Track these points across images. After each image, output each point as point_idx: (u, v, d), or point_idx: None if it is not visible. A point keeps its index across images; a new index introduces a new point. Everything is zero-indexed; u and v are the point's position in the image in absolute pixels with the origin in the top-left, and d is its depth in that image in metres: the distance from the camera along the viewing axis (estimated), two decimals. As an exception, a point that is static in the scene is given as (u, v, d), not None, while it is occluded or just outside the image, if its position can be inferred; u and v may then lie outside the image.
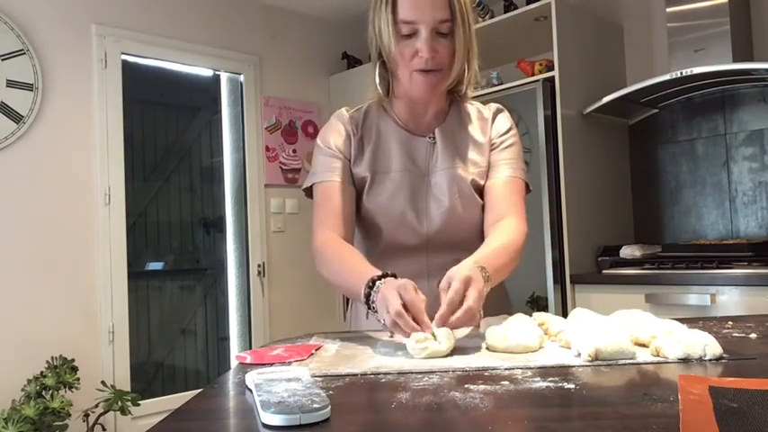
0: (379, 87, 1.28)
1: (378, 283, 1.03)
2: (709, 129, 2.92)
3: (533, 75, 2.92)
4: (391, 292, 0.96)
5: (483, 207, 1.28)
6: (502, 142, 1.31)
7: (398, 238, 1.26)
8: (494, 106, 1.36)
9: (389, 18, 1.17)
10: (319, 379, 0.78)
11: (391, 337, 1.01)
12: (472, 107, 1.34)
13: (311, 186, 1.31)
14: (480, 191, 1.29)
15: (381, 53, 1.23)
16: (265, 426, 0.60)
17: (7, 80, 2.81)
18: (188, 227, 3.64)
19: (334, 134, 1.31)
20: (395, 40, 1.18)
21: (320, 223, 1.25)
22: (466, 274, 0.98)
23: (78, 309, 2.97)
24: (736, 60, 2.59)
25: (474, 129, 1.32)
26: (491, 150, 1.30)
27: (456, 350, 0.92)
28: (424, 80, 1.20)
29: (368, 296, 1.03)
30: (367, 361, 0.88)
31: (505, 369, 0.80)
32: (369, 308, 1.04)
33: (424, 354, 0.88)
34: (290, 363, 0.89)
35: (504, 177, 1.28)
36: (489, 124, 1.32)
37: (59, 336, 2.86)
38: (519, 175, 1.29)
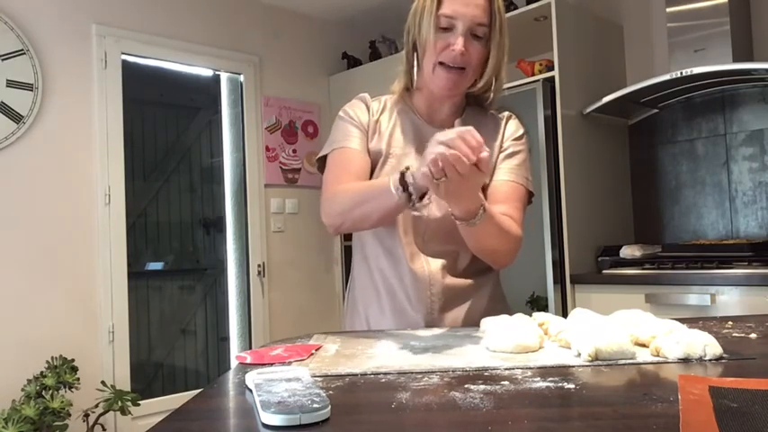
0: (415, 74, 1.30)
1: (410, 169, 1.05)
2: (709, 129, 2.92)
3: (533, 75, 2.92)
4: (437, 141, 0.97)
5: None
6: (510, 147, 1.32)
7: (399, 218, 1.27)
8: (507, 112, 1.37)
9: (433, 8, 1.21)
10: (319, 379, 0.78)
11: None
12: (488, 111, 1.36)
13: (325, 158, 1.33)
14: (485, 191, 1.29)
15: (414, 45, 1.27)
16: (265, 426, 0.60)
17: (7, 80, 2.81)
18: (188, 227, 3.64)
19: (357, 109, 1.35)
20: (433, 29, 1.21)
21: (332, 182, 1.26)
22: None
23: (78, 309, 2.97)
24: (736, 60, 2.59)
25: (487, 131, 1.33)
26: (499, 153, 1.32)
27: (456, 350, 0.92)
28: (446, 76, 1.23)
29: (401, 179, 1.04)
30: (367, 361, 0.88)
31: (505, 369, 0.80)
32: (404, 188, 1.04)
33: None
34: (290, 363, 0.89)
35: (507, 182, 1.28)
36: (502, 128, 1.34)
37: (59, 336, 2.86)
38: (521, 182, 1.30)
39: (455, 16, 1.20)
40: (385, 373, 0.80)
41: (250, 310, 3.62)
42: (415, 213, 1.08)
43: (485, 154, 0.96)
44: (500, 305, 1.33)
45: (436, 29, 1.22)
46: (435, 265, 1.26)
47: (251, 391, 0.72)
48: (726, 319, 1.17)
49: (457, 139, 0.95)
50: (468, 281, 1.28)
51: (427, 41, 1.22)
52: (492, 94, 1.31)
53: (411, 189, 1.04)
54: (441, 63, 1.22)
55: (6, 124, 2.80)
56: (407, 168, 1.06)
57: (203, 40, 3.50)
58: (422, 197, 1.05)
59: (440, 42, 1.21)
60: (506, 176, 1.29)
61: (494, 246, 1.20)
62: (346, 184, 1.23)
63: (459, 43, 1.20)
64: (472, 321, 1.21)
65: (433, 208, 1.25)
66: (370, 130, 1.32)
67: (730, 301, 2.26)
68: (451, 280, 1.26)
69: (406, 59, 1.31)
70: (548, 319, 1.03)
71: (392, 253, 1.28)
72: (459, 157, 0.93)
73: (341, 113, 1.36)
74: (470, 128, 0.97)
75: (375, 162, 1.30)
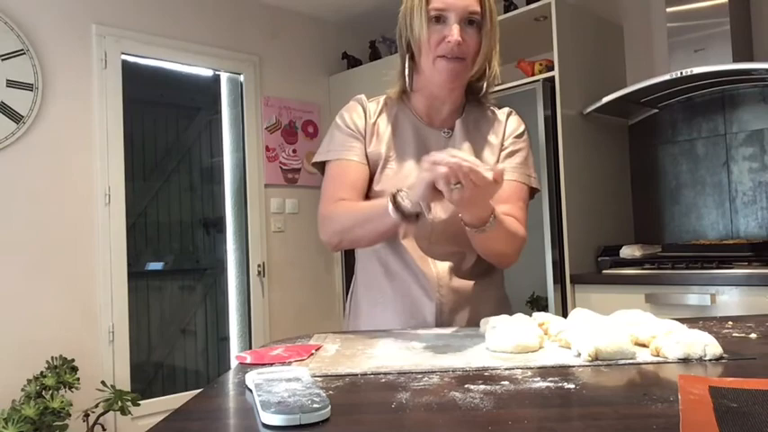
0: (407, 78, 1.29)
1: (404, 190, 1.05)
2: (709, 129, 2.92)
3: (533, 75, 2.92)
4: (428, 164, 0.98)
5: None
6: (510, 145, 1.32)
7: None
8: (506, 109, 1.37)
9: (422, 3, 1.20)
10: (319, 379, 0.78)
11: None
12: (487, 108, 1.35)
13: (322, 162, 1.32)
14: None
15: (408, 46, 1.26)
16: (265, 426, 0.60)
17: (7, 80, 2.81)
18: (188, 227, 3.64)
19: (354, 114, 1.33)
20: (426, 24, 1.20)
21: (330, 195, 1.26)
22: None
23: (78, 309, 2.97)
24: (736, 60, 2.59)
25: (488, 129, 1.33)
26: (500, 152, 1.31)
27: (456, 350, 0.92)
28: (447, 68, 1.22)
29: (394, 199, 1.04)
30: (367, 361, 0.88)
31: (505, 369, 0.80)
32: (396, 207, 1.04)
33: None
34: (290, 363, 0.89)
35: (509, 182, 1.27)
36: (503, 126, 1.33)
37: (59, 336, 2.86)
38: (524, 181, 1.30)
39: (446, 8, 1.19)
40: (385, 373, 0.80)
41: (250, 309, 3.62)
42: (410, 228, 1.08)
43: (501, 166, 0.97)
44: (505, 307, 1.33)
45: (428, 23, 1.21)
46: (443, 267, 1.26)
47: (251, 391, 0.72)
48: (726, 319, 1.17)
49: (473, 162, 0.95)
50: (475, 282, 1.28)
51: (421, 38, 1.21)
52: (485, 83, 1.29)
53: (404, 209, 1.04)
54: (440, 56, 1.21)
55: (6, 124, 2.80)
56: (399, 190, 1.06)
57: (203, 40, 3.50)
58: (417, 216, 1.05)
59: (434, 36, 1.20)
60: (509, 176, 1.28)
61: (501, 249, 1.20)
62: (344, 203, 1.22)
63: (454, 33, 1.18)
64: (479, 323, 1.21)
65: (438, 210, 1.24)
66: (368, 133, 1.31)
67: (730, 301, 2.26)
68: (459, 282, 1.27)
69: (401, 63, 1.30)
70: (548, 319, 1.03)
71: (400, 256, 1.27)
72: (475, 168, 0.93)
73: (338, 120, 1.34)
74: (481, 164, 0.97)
75: (375, 166, 1.29)
